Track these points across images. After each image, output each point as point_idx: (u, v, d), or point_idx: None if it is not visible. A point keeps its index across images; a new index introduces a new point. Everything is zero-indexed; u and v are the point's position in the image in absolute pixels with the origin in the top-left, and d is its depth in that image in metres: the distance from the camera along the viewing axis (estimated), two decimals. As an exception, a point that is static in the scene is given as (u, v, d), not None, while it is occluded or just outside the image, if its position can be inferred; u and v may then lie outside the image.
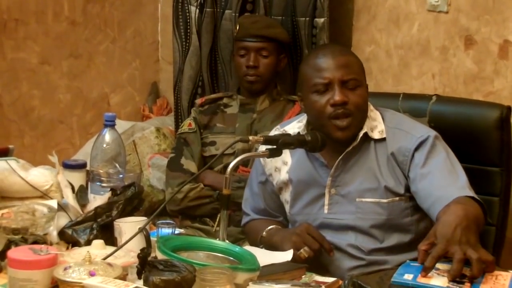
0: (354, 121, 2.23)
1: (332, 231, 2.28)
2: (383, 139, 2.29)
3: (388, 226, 2.25)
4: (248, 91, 3.20)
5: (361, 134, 2.27)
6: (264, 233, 2.35)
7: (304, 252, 2.13)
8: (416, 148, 2.24)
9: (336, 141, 2.25)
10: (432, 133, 2.28)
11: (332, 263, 2.24)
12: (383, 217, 2.24)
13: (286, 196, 2.41)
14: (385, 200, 2.24)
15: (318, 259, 2.17)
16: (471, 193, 2.12)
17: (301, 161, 2.36)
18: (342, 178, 2.29)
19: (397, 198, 2.25)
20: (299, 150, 2.31)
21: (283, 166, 2.40)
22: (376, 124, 2.30)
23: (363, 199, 2.26)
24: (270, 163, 2.42)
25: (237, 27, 3.20)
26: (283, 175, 2.40)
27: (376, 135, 2.29)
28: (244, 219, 2.54)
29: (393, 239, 2.27)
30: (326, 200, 2.31)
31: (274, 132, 2.45)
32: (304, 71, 2.32)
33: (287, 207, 2.42)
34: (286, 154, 2.37)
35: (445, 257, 1.80)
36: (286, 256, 2.11)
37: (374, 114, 2.33)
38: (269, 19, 3.34)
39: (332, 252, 2.20)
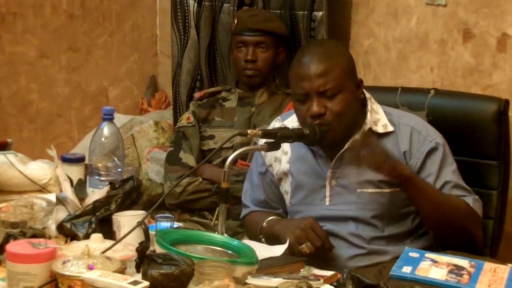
0: (334, 128, 2.22)
1: (333, 221, 2.29)
2: (388, 133, 2.29)
3: (389, 216, 2.26)
4: (246, 85, 3.20)
5: (366, 129, 2.27)
6: (264, 223, 2.35)
7: (306, 247, 2.15)
8: (428, 154, 2.26)
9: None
10: (441, 139, 2.30)
11: (332, 251, 2.25)
12: (385, 206, 2.25)
13: (286, 186, 2.42)
14: (387, 190, 2.25)
15: (319, 254, 2.18)
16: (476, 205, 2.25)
17: (302, 152, 2.37)
18: (342, 170, 2.30)
19: (398, 189, 2.26)
20: (301, 144, 2.31)
21: (283, 156, 2.41)
22: (379, 118, 2.30)
23: (364, 190, 2.27)
24: (270, 154, 2.43)
25: (235, 21, 3.20)
26: (284, 165, 2.40)
27: (380, 129, 2.29)
28: (244, 211, 2.55)
29: (394, 229, 2.28)
30: (327, 191, 2.32)
31: (274, 123, 2.46)
32: (289, 77, 2.32)
33: (287, 198, 2.42)
34: (286, 144, 2.37)
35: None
36: (282, 248, 2.12)
37: (376, 107, 2.33)
38: (267, 12, 3.34)
39: (331, 252, 2.21)
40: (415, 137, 2.28)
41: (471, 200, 2.25)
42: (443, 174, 2.26)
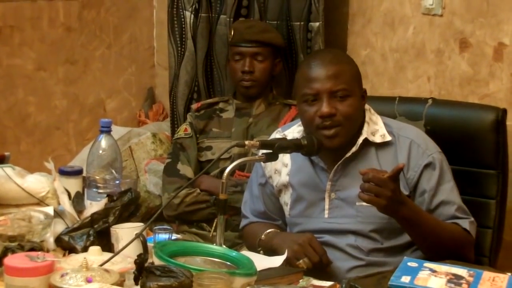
0: (342, 130, 2.23)
1: (332, 234, 2.29)
2: (386, 143, 2.29)
3: (388, 229, 2.26)
4: (244, 96, 3.20)
5: (360, 140, 2.27)
6: (263, 236, 2.35)
7: (303, 263, 2.15)
8: (425, 167, 2.25)
9: (327, 149, 2.26)
10: (440, 154, 2.29)
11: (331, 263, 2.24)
12: (384, 221, 2.24)
13: (285, 198, 2.41)
14: None
15: (317, 268, 2.17)
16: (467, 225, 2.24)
17: (302, 164, 2.36)
18: (341, 182, 2.29)
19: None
20: (299, 154, 2.31)
21: (283, 168, 2.40)
22: (378, 128, 2.30)
23: (363, 203, 2.25)
24: (270, 165, 2.42)
25: (232, 32, 3.20)
26: (284, 177, 2.40)
27: (377, 139, 2.29)
28: (243, 222, 2.54)
29: (393, 241, 2.27)
30: (326, 204, 2.32)
31: (274, 135, 2.46)
32: (296, 80, 2.33)
33: (286, 210, 2.42)
34: (286, 156, 2.37)
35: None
36: (280, 259, 2.12)
37: (375, 118, 2.33)
38: (263, 23, 3.34)
39: (329, 267, 2.21)
40: (413, 150, 2.27)
41: (467, 224, 2.24)
42: (440, 192, 2.25)
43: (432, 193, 2.25)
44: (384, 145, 2.29)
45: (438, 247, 2.18)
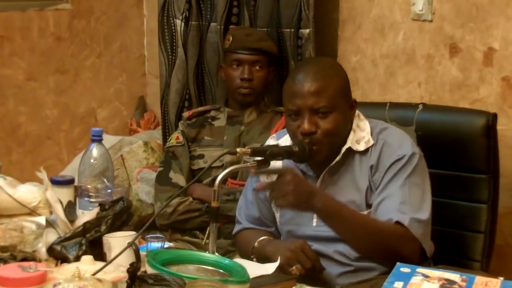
0: (323, 147, 2.23)
1: (320, 242, 2.29)
2: (368, 150, 2.29)
3: None
4: (240, 103, 3.18)
5: (343, 149, 2.27)
6: (256, 243, 2.35)
7: (296, 269, 2.15)
8: (390, 166, 2.24)
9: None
10: (411, 154, 2.25)
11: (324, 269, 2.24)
12: None
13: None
14: (365, 212, 2.25)
15: (309, 275, 2.17)
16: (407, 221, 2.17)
17: None
18: (328, 191, 2.29)
19: (372, 209, 2.25)
20: (291, 161, 2.31)
21: (274, 176, 2.40)
22: (364, 135, 2.30)
23: None
24: None
25: (230, 39, 3.19)
26: (273, 184, 2.40)
27: (362, 146, 2.29)
28: (236, 228, 2.54)
29: None
30: (315, 212, 2.32)
31: (269, 141, 2.47)
32: (283, 92, 2.33)
33: (277, 217, 2.43)
34: (278, 163, 2.37)
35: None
36: (273, 266, 2.12)
37: (363, 124, 2.33)
38: (260, 31, 3.33)
39: (322, 274, 2.21)
40: (384, 151, 2.26)
41: (408, 219, 2.17)
42: (389, 188, 2.22)
43: (381, 188, 2.23)
44: (366, 150, 2.29)
45: (367, 242, 2.17)
